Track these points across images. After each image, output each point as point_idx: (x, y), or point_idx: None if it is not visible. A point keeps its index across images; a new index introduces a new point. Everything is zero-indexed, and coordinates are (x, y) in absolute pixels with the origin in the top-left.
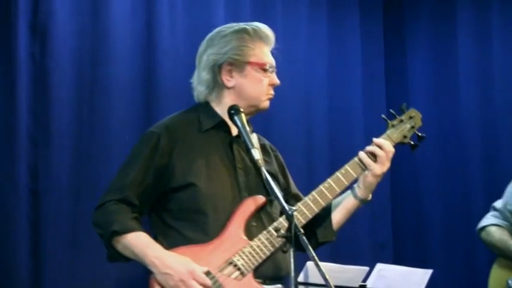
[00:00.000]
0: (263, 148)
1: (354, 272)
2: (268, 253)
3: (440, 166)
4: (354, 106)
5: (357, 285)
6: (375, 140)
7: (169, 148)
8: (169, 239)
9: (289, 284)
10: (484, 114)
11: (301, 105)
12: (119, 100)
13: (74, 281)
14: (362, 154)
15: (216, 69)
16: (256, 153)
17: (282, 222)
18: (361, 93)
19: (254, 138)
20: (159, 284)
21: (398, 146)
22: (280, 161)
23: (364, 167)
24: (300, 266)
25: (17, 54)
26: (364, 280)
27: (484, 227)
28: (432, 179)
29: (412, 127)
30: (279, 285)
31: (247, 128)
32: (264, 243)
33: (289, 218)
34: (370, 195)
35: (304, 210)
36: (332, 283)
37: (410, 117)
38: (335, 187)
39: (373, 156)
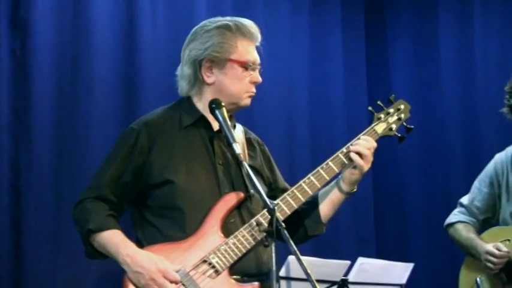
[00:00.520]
0: (248, 142)
1: (335, 266)
2: (244, 250)
3: (422, 160)
4: (335, 100)
5: (339, 279)
6: (361, 138)
7: (148, 145)
8: (147, 235)
9: (271, 279)
10: (466, 108)
11: (283, 99)
12: (100, 96)
13: (56, 276)
14: (345, 151)
15: (197, 64)
16: (238, 148)
17: (263, 215)
18: (343, 87)
19: (238, 131)
20: (132, 282)
21: (382, 139)
22: (267, 155)
23: (346, 162)
24: (281, 260)
25: None
26: (346, 274)
27: (451, 224)
28: (414, 173)
29: (399, 119)
30: (256, 283)
31: (229, 122)
32: (240, 241)
33: (271, 212)
34: (355, 187)
35: (283, 206)
36: (313, 277)
37: (398, 109)
38: (316, 183)
39: (358, 154)
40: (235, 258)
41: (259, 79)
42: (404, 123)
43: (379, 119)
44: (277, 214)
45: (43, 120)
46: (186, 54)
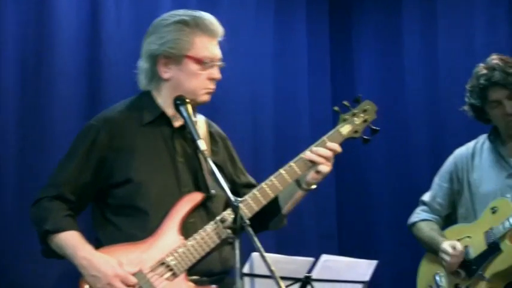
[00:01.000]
0: (211, 136)
1: (299, 263)
2: (203, 253)
3: (386, 157)
4: (299, 98)
5: (302, 276)
6: (327, 144)
7: (108, 143)
8: (107, 234)
9: (235, 276)
10: (430, 105)
11: (247, 96)
12: (64, 90)
13: (16, 272)
14: (310, 155)
15: (154, 59)
16: (203, 144)
17: (225, 215)
18: (307, 85)
19: (202, 126)
20: (88, 285)
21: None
22: (229, 149)
23: (309, 165)
24: (245, 257)
25: None
26: (309, 271)
27: (414, 223)
28: (378, 169)
29: (365, 121)
30: (213, 286)
31: (193, 119)
32: (199, 243)
33: (235, 209)
34: (316, 185)
35: (244, 209)
36: (277, 274)
37: (364, 110)
38: (277, 185)
39: (321, 157)
40: (194, 260)
41: (218, 76)
42: (370, 125)
43: (344, 120)
44: (244, 210)
45: (6, 114)
46: (144, 47)
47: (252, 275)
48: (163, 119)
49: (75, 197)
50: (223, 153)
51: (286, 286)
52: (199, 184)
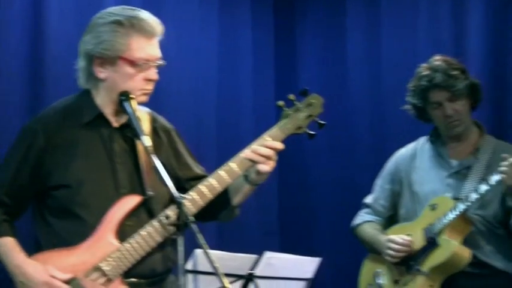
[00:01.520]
0: (154, 132)
1: (242, 260)
2: (138, 257)
3: (328, 154)
4: (243, 94)
5: (245, 273)
6: (267, 143)
7: (45, 146)
8: (44, 235)
9: (178, 272)
10: (373, 102)
11: (190, 92)
12: (6, 85)
13: None
14: (249, 154)
15: (90, 59)
16: (147, 140)
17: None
18: (251, 80)
19: (145, 121)
20: None
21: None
22: (174, 143)
23: (248, 164)
24: (188, 254)
25: None
26: (253, 268)
27: (357, 225)
28: (320, 167)
29: (310, 115)
30: None
31: (138, 115)
32: (133, 247)
33: (179, 205)
34: (265, 178)
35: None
36: (221, 271)
37: (309, 105)
38: (216, 185)
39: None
40: (129, 265)
41: (154, 77)
42: (316, 119)
43: (287, 116)
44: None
45: None
46: (81, 46)
47: (195, 272)
48: (101, 119)
49: (12, 200)
50: (167, 149)
51: (230, 283)
52: (137, 185)
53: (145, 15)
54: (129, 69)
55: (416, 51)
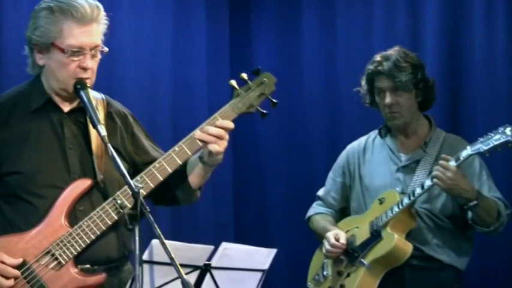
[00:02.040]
0: (109, 116)
1: (199, 250)
2: (88, 241)
3: (283, 146)
4: (198, 84)
5: (202, 264)
6: (217, 122)
7: None
8: None
9: (134, 262)
10: (327, 95)
11: (145, 82)
12: None
13: None
14: (200, 134)
15: (30, 45)
16: (103, 129)
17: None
18: (206, 70)
19: (99, 105)
20: None
21: (244, 116)
22: (130, 127)
23: (200, 144)
24: (145, 244)
25: None
26: (209, 259)
27: (309, 217)
28: (275, 158)
29: (262, 94)
30: (102, 275)
31: (93, 103)
32: (84, 231)
33: (135, 195)
34: (220, 158)
35: (129, 194)
36: (177, 261)
37: (261, 83)
38: (167, 167)
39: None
40: (79, 249)
41: (87, 64)
42: (269, 97)
43: (238, 95)
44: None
45: None
46: (26, 33)
47: (151, 262)
48: (51, 104)
49: None
50: (123, 133)
51: (186, 274)
52: (89, 170)
53: (79, 1)
54: (61, 57)
55: (372, 44)
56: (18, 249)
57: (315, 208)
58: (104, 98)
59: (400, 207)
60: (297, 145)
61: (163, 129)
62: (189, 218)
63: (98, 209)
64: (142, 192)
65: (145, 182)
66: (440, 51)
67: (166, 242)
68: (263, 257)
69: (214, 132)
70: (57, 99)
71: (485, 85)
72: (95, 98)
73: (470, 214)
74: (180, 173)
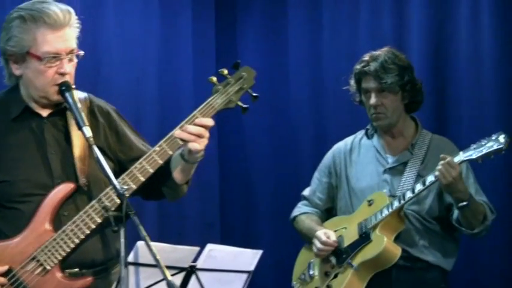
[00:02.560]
0: (92, 114)
1: (184, 252)
2: (72, 245)
3: (270, 146)
4: (184, 84)
5: (187, 266)
6: (197, 120)
7: None
8: None
9: (120, 264)
10: (314, 94)
11: (131, 82)
12: None
13: None
14: (180, 133)
15: (5, 56)
16: (88, 131)
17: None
18: (192, 71)
19: (82, 104)
20: None
21: (231, 117)
22: (115, 124)
23: (180, 143)
24: (130, 246)
25: None
26: (195, 260)
27: (295, 217)
28: (261, 159)
29: (241, 88)
30: (88, 278)
31: (79, 105)
32: (68, 235)
33: (121, 197)
34: (202, 155)
35: (112, 196)
36: (163, 263)
37: (240, 78)
38: (148, 168)
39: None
40: (63, 254)
41: (65, 69)
42: (249, 91)
43: (217, 90)
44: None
45: None
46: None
47: (136, 264)
48: (29, 111)
49: None
50: (107, 131)
51: (171, 275)
52: (72, 174)
53: (51, 7)
54: (38, 64)
55: (357, 44)
56: (5, 256)
57: (301, 208)
58: (87, 96)
59: (390, 210)
60: (283, 145)
61: (149, 130)
62: (175, 219)
63: (81, 213)
64: (126, 193)
65: (127, 184)
66: (425, 52)
67: (152, 243)
68: (249, 258)
69: (194, 131)
70: (34, 106)
71: (471, 85)
72: (79, 98)
73: (455, 215)
74: (165, 170)
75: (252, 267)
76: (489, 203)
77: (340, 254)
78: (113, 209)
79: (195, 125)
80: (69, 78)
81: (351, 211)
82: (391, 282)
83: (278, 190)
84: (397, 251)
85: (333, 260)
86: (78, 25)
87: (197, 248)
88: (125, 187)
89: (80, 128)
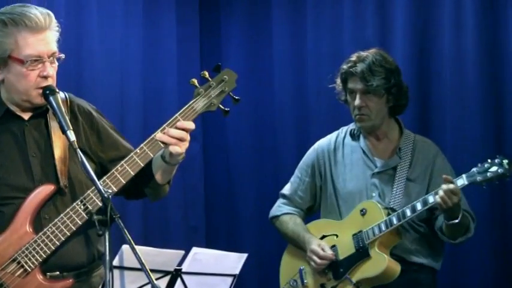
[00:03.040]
0: (72, 115)
1: (169, 255)
2: (53, 247)
3: (254, 150)
4: (168, 88)
5: (172, 269)
6: (178, 123)
7: None
8: None
9: (104, 268)
10: (297, 98)
11: (115, 86)
12: None
13: None
14: (161, 136)
15: None
16: (72, 135)
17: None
18: (176, 74)
19: (63, 105)
20: None
21: (215, 121)
22: (96, 124)
23: (161, 146)
24: (115, 250)
25: None
26: (180, 264)
27: (276, 217)
28: (245, 163)
29: (222, 91)
30: (69, 280)
31: (63, 109)
32: (49, 237)
33: (105, 201)
34: (182, 157)
35: (94, 198)
36: (148, 267)
37: (222, 81)
38: (129, 171)
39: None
40: (44, 256)
41: (48, 72)
42: (231, 94)
43: (199, 93)
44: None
45: None
46: None
47: (121, 268)
48: (10, 114)
49: None
50: (88, 132)
51: (156, 279)
52: (53, 176)
53: (31, 11)
54: (20, 68)
55: (341, 46)
56: None
57: (282, 207)
58: (67, 97)
59: (390, 227)
60: (267, 149)
61: (133, 133)
62: (160, 223)
63: (62, 215)
64: (97, 202)
65: (108, 186)
66: (409, 54)
67: (137, 247)
68: (234, 261)
69: (175, 134)
70: (15, 109)
71: (454, 87)
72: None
73: (439, 223)
74: (146, 171)
75: (237, 271)
76: (470, 210)
77: (336, 267)
78: (95, 210)
79: (177, 128)
80: (52, 81)
81: (337, 213)
82: (387, 285)
83: (263, 193)
84: (397, 267)
85: (329, 273)
86: (58, 28)
87: (182, 252)
88: (109, 191)
89: (64, 132)
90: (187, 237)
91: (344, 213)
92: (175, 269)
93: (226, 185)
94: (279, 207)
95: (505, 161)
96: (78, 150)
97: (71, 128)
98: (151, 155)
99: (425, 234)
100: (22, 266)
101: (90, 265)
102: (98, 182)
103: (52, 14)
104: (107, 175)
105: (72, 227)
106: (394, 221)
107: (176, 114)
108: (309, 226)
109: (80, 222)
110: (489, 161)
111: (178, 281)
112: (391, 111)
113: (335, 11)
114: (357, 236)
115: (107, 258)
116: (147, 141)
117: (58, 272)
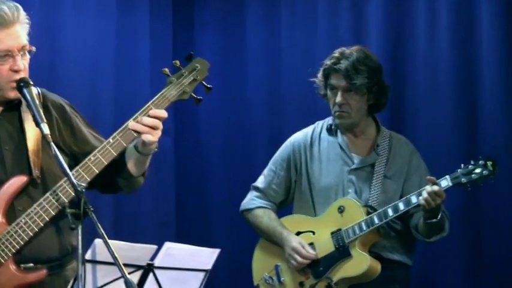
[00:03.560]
0: (45, 109)
1: (142, 250)
2: (26, 238)
3: (225, 145)
4: (141, 82)
5: (145, 264)
6: (150, 112)
7: None
8: None
9: (77, 262)
10: (271, 93)
11: (87, 82)
12: None
13: None
14: (134, 125)
15: None
16: (46, 128)
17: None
18: (149, 68)
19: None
20: None
21: (187, 115)
22: (68, 119)
23: (134, 135)
24: (88, 244)
25: None
26: (152, 259)
27: (249, 210)
28: (217, 157)
29: (195, 80)
30: (43, 271)
31: (37, 102)
32: (22, 228)
33: (79, 194)
34: (156, 147)
35: (67, 188)
36: (120, 261)
37: (194, 69)
38: (102, 160)
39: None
40: (17, 247)
41: (19, 66)
42: (203, 83)
43: (171, 82)
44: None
45: None
46: None
47: (94, 262)
48: None
49: None
50: (61, 126)
51: (129, 273)
52: (26, 169)
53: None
54: None
55: (315, 42)
56: None
57: (255, 200)
58: (39, 91)
59: (371, 227)
60: (239, 144)
61: (106, 127)
62: (131, 217)
63: (34, 205)
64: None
65: (81, 176)
66: (383, 51)
67: (110, 241)
68: (206, 257)
69: (148, 123)
70: None
71: (428, 87)
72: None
73: (415, 221)
74: (119, 162)
75: (209, 266)
76: (445, 209)
77: (315, 266)
78: (68, 204)
79: (149, 116)
80: (24, 74)
81: (311, 209)
82: (362, 283)
83: (234, 188)
84: (378, 266)
85: (308, 271)
86: (27, 21)
87: (155, 247)
88: (83, 184)
89: (37, 124)
90: (158, 232)
91: (319, 209)
92: (148, 264)
93: (197, 179)
94: (252, 200)
95: (489, 163)
96: (52, 143)
97: (45, 120)
98: (124, 144)
99: (400, 231)
100: None
101: (63, 258)
102: (71, 175)
103: (20, 7)
104: (80, 165)
105: (46, 217)
106: (376, 220)
107: (149, 103)
108: (283, 221)
109: (53, 213)
110: (473, 162)
111: (151, 275)
112: (370, 109)
113: (309, 6)
114: (336, 234)
115: (80, 251)
116: (119, 130)
117: (32, 264)
